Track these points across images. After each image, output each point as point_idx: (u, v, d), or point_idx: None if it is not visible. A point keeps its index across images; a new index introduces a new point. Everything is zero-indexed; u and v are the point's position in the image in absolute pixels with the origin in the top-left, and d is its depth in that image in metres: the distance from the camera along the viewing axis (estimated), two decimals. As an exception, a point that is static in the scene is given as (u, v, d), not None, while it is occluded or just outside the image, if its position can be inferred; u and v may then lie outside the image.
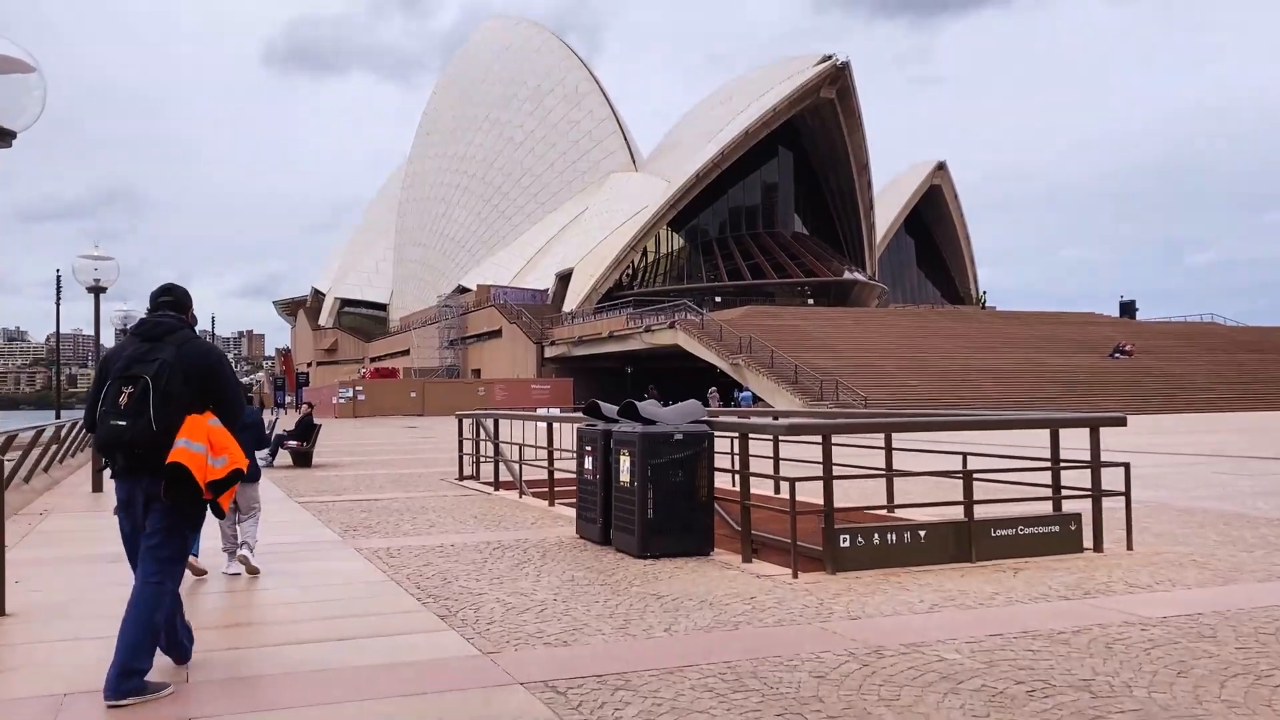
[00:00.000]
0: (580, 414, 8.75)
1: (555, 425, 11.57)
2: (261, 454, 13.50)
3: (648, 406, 7.54)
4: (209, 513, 4.32)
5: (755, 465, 7.35)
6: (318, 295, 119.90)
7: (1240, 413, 40.56)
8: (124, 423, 4.05)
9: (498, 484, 12.91)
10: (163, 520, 4.14)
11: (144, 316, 4.44)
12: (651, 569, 6.75)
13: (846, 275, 73.32)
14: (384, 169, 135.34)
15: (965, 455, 8.77)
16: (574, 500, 11.84)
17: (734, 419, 7.18)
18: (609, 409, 8.16)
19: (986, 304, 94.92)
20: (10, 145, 5.39)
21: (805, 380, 42.65)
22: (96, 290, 12.96)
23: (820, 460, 10.21)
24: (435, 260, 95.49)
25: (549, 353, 65.74)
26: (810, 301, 69.81)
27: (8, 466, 10.57)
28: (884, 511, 8.09)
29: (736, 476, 7.42)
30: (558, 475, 11.11)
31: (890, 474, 8.16)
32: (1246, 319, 70.12)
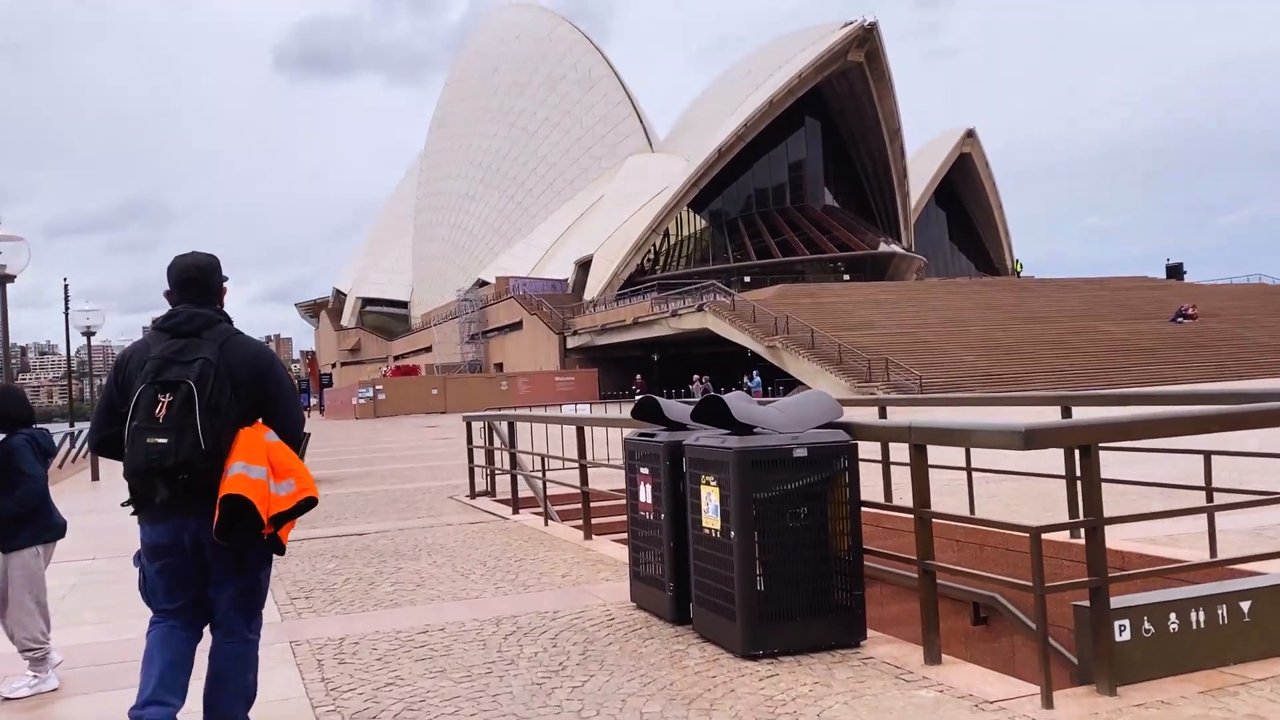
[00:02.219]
0: (630, 416, 5.88)
1: (588, 429, 8.69)
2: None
3: (740, 404, 4.66)
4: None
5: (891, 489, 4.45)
6: (339, 296, 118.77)
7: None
8: (165, 440, 3.17)
9: (516, 504, 10.10)
10: (234, 565, 3.36)
11: (173, 308, 3.48)
12: (775, 689, 3.86)
13: (883, 248, 69.77)
14: (400, 168, 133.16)
15: (1207, 454, 5.87)
16: (618, 531, 9.07)
17: (897, 419, 4.28)
18: (675, 408, 5.29)
19: (1023, 273, 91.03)
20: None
21: (850, 361, 39.54)
22: (2, 279, 10.18)
23: (964, 467, 7.34)
24: (454, 255, 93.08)
25: (571, 343, 62.97)
26: (846, 277, 66.39)
27: None
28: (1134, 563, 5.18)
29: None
30: (596, 490, 8.31)
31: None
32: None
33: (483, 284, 79.87)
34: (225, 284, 3.64)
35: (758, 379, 45.44)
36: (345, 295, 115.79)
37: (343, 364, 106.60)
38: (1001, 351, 42.05)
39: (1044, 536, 3.61)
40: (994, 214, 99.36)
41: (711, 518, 4.56)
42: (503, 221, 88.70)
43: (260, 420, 3.43)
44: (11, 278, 10.49)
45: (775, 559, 4.34)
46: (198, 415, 3.20)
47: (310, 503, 3.36)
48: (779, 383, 44.94)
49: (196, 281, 3.51)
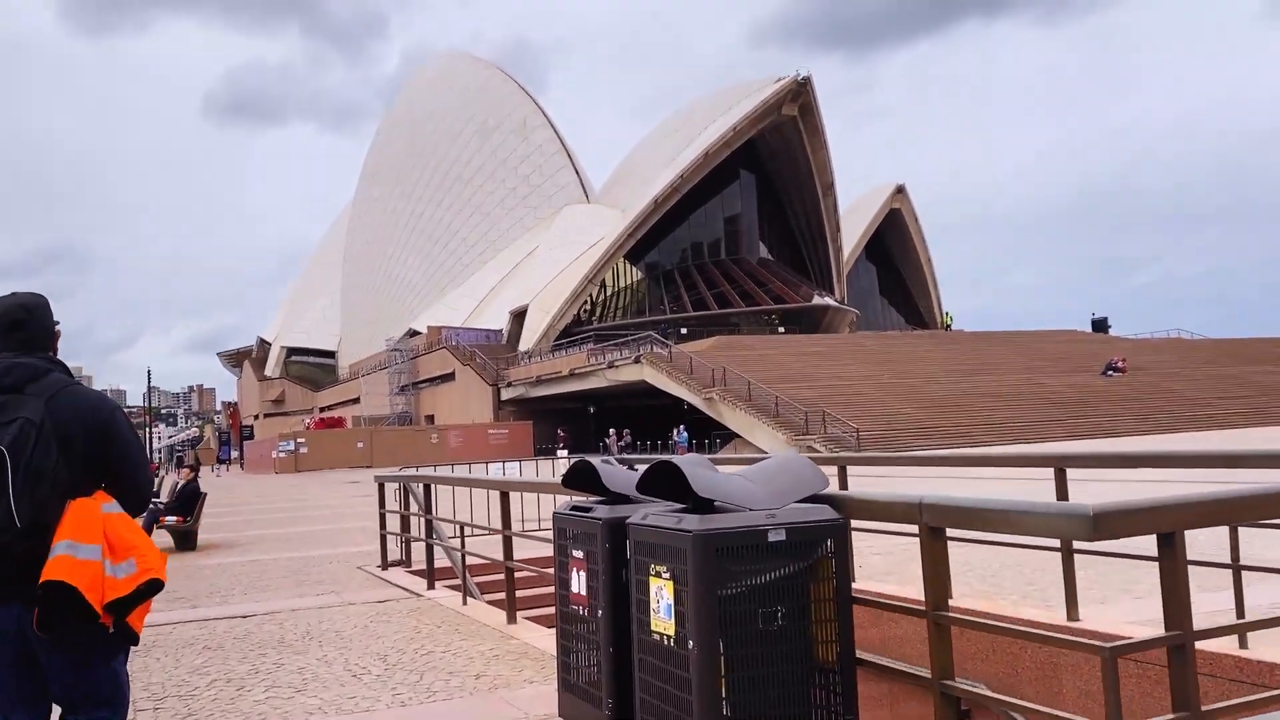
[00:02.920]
0: (561, 483, 4.85)
1: (513, 495, 7.61)
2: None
3: (700, 471, 3.66)
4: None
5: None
6: (264, 345, 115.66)
7: (1268, 428, 37.50)
8: None
9: (432, 576, 8.92)
10: (70, 654, 2.79)
11: None
12: None
13: (817, 300, 70.06)
14: (330, 216, 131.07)
15: (1234, 525, 5.04)
16: (549, 605, 7.98)
17: (898, 492, 3.32)
18: (616, 476, 4.26)
19: (952, 327, 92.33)
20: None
21: (787, 413, 38.98)
22: None
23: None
24: (385, 304, 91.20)
25: (506, 395, 61.57)
26: (781, 330, 66.39)
27: None
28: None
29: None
30: (522, 563, 7.21)
31: None
32: (1206, 331, 67.89)
33: (414, 334, 78.15)
34: (58, 328, 3.16)
35: (684, 434, 44.46)
36: (270, 344, 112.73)
37: (266, 415, 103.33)
38: (937, 404, 41.93)
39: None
40: (923, 268, 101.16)
41: (663, 620, 3.54)
42: (435, 270, 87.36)
43: (101, 487, 2.94)
44: None
45: (745, 674, 3.34)
46: (10, 486, 2.73)
47: (155, 586, 2.89)
48: (715, 436, 44.16)
49: (21, 324, 3.02)
